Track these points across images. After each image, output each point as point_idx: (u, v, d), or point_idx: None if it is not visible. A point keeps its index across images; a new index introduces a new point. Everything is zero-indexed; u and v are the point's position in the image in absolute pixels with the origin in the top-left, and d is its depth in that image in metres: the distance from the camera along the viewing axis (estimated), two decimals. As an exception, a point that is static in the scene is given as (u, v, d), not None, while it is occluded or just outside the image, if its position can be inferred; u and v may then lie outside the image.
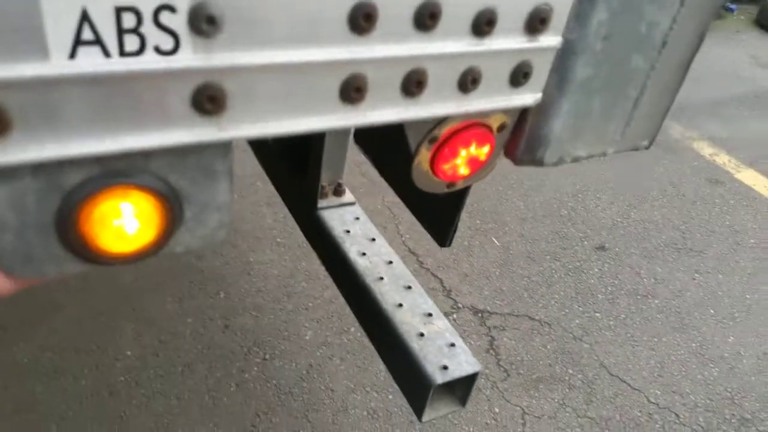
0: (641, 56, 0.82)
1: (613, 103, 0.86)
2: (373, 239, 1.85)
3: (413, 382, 1.43)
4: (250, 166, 2.56)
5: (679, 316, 2.98)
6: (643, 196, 3.84)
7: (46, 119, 0.53)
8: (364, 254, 1.76)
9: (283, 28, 0.57)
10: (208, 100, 0.57)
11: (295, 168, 1.92)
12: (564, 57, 0.76)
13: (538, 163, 0.88)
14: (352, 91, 0.65)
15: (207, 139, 0.61)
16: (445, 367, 1.39)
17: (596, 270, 3.18)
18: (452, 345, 1.45)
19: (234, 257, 2.83)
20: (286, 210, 2.06)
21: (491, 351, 2.61)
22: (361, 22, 0.60)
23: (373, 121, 0.69)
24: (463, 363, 1.41)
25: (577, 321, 2.84)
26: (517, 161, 0.89)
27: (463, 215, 1.69)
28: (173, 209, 0.66)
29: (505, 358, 2.58)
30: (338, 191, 1.92)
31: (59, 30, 0.49)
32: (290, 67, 0.60)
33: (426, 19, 0.63)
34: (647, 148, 0.98)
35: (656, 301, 3.04)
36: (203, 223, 0.71)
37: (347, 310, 1.75)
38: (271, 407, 2.21)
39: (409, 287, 1.65)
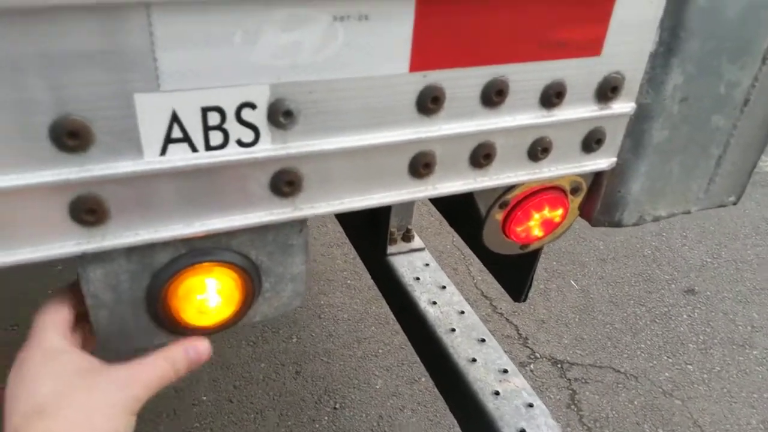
0: (722, 116, 0.79)
1: (694, 162, 0.83)
2: (444, 287, 1.83)
3: (489, 445, 1.37)
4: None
5: (782, 368, 2.72)
6: (734, 234, 3.58)
7: (140, 208, 0.58)
8: (434, 303, 1.75)
9: (354, 116, 0.60)
10: (285, 184, 0.61)
11: (365, 213, 1.96)
12: (639, 121, 0.75)
13: (616, 224, 0.85)
14: (421, 167, 0.66)
15: (284, 218, 0.64)
16: (523, 431, 1.33)
17: (686, 316, 2.97)
18: (530, 405, 1.40)
19: (306, 300, 2.88)
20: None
21: (573, 406, 2.47)
22: (429, 104, 0.61)
23: (442, 193, 0.70)
24: (542, 426, 1.35)
25: (666, 374, 2.65)
26: (593, 222, 0.87)
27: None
28: (253, 282, 0.70)
29: (588, 415, 2.44)
30: (407, 237, 1.92)
31: (152, 130, 0.54)
32: (361, 150, 0.62)
33: (493, 96, 0.64)
34: (735, 203, 0.93)
35: (755, 352, 2.79)
36: (279, 293, 0.74)
37: (418, 358, 1.72)
38: (342, 461, 2.20)
39: (483, 340, 1.61)
